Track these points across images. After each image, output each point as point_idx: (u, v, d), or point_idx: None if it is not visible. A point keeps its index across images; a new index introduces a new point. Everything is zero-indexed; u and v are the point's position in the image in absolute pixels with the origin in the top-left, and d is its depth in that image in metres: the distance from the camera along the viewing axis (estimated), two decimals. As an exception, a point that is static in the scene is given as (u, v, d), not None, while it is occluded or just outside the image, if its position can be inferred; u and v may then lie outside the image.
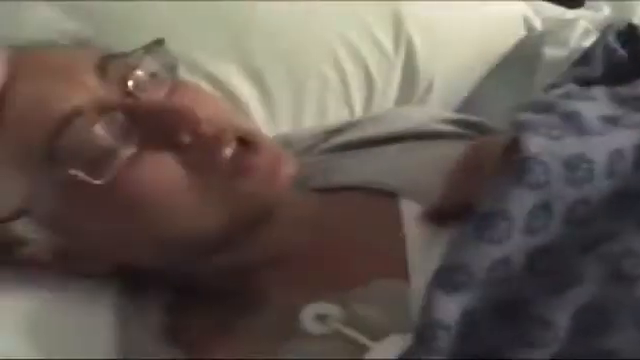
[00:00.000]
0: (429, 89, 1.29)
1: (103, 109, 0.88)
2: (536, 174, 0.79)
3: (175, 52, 0.97)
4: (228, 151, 0.91)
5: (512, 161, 0.80)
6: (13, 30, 1.11)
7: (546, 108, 0.88)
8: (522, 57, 1.37)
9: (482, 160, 0.87)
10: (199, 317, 0.97)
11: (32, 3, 1.16)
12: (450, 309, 0.78)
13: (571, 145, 0.82)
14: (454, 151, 0.96)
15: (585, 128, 0.84)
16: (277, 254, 0.95)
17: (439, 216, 0.90)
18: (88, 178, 0.86)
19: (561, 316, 0.78)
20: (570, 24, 1.38)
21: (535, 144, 0.80)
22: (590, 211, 0.82)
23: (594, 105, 0.89)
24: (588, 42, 1.32)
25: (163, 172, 0.89)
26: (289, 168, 0.94)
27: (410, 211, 0.94)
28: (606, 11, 1.45)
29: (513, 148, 0.82)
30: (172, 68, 0.96)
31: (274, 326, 0.90)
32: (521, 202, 0.79)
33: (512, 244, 0.80)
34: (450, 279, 0.79)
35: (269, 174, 0.92)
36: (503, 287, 0.80)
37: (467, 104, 1.35)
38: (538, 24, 1.40)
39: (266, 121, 1.19)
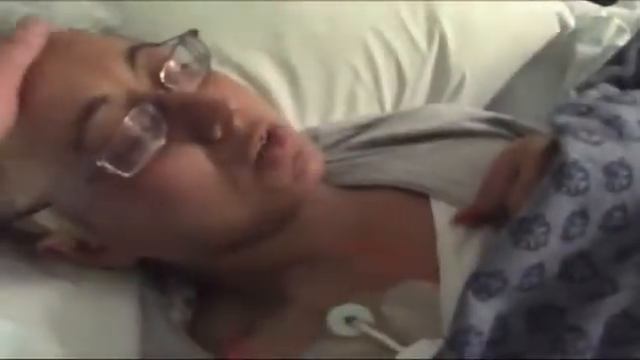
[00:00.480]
0: (460, 85, 1.27)
1: (133, 100, 0.87)
2: (576, 181, 0.79)
3: (206, 43, 0.96)
4: (258, 145, 0.89)
5: (551, 166, 0.79)
6: (43, 13, 1.09)
7: (586, 111, 0.87)
8: (555, 54, 1.35)
9: (518, 163, 0.86)
10: (223, 315, 0.96)
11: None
12: (484, 315, 0.78)
13: (611, 151, 0.81)
14: (486, 151, 0.96)
15: (625, 133, 0.83)
16: (305, 252, 0.94)
17: (472, 219, 0.89)
18: (116, 170, 0.85)
19: (595, 325, 0.77)
20: (604, 22, 1.37)
21: (576, 149, 0.79)
22: (627, 218, 0.81)
23: (634, 109, 0.88)
24: (621, 40, 1.32)
25: (192, 166, 0.87)
26: (316, 162, 0.92)
27: (441, 212, 0.93)
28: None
29: (552, 152, 0.82)
30: (205, 60, 0.94)
31: (301, 327, 0.89)
32: (559, 209, 0.79)
33: (548, 250, 0.79)
34: (485, 285, 0.78)
35: (295, 167, 0.90)
36: (537, 293, 0.80)
37: (499, 101, 1.33)
38: (572, 21, 1.38)
39: (296, 114, 1.18)
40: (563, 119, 0.85)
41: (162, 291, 0.99)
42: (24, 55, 0.89)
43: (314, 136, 1.14)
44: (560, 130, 0.83)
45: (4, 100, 0.86)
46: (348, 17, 1.22)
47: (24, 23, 0.91)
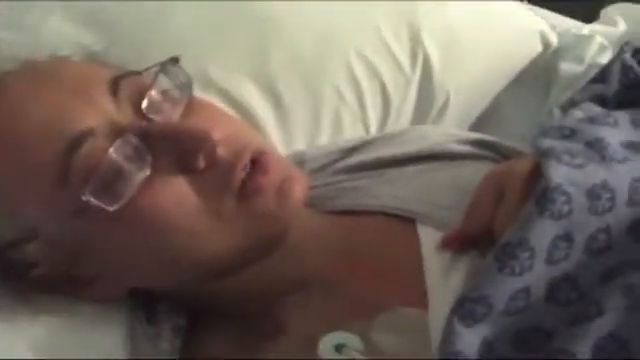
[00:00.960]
0: (445, 105, 1.27)
1: (116, 131, 0.87)
2: (559, 205, 0.79)
3: (189, 68, 0.96)
4: (242, 174, 0.89)
5: (535, 190, 0.79)
6: (28, 41, 1.10)
7: (569, 134, 0.88)
8: (538, 73, 1.36)
9: (503, 186, 0.86)
10: (215, 341, 0.96)
11: (47, 15, 1.14)
12: (470, 341, 0.78)
13: (594, 173, 0.82)
14: (472, 174, 0.96)
15: (608, 155, 0.84)
16: (294, 277, 0.94)
17: (459, 243, 0.90)
18: (101, 204, 0.85)
19: (582, 347, 0.77)
20: (586, 40, 1.38)
21: (558, 173, 0.80)
22: (610, 240, 0.82)
23: (617, 130, 0.88)
24: (604, 58, 1.33)
25: (176, 197, 0.88)
26: (300, 187, 0.92)
27: (428, 237, 0.93)
28: (622, 26, 1.44)
29: (535, 175, 0.82)
30: (187, 87, 0.94)
31: (293, 354, 0.88)
32: (543, 233, 0.79)
33: (533, 275, 0.80)
34: (470, 310, 0.79)
35: (279, 193, 0.90)
36: (523, 317, 0.80)
37: (484, 120, 1.34)
38: (554, 39, 1.39)
39: (281, 138, 1.18)
40: (546, 143, 0.85)
41: (151, 320, 0.99)
42: None
43: (300, 160, 1.14)
44: (543, 154, 0.83)
45: None
46: (332, 40, 1.22)
47: None
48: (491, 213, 0.86)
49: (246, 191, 0.89)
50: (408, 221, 0.96)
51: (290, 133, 1.19)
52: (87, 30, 1.10)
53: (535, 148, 0.86)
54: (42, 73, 0.93)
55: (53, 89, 0.89)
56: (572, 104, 1.08)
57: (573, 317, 0.80)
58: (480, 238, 0.88)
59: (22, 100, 0.89)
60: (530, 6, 1.52)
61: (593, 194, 0.81)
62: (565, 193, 0.79)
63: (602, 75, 1.11)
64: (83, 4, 1.12)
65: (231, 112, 1.12)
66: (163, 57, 0.94)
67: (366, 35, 1.24)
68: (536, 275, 0.80)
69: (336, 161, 1.14)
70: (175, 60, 0.94)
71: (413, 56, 1.25)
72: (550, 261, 0.80)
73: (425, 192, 1.00)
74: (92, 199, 0.85)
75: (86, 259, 0.91)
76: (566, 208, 0.79)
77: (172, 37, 1.14)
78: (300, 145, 1.19)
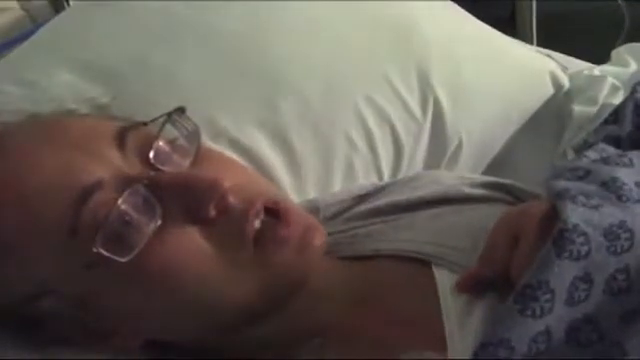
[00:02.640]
0: (458, 150, 1.27)
1: (124, 183, 0.86)
2: (577, 245, 0.78)
3: (198, 117, 0.95)
4: (256, 223, 0.88)
5: (552, 232, 0.79)
6: (35, 95, 1.10)
7: (584, 175, 0.87)
8: (551, 115, 1.36)
9: (518, 229, 0.85)
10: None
11: (53, 68, 1.15)
12: None
13: (611, 214, 0.81)
14: (487, 217, 0.95)
15: (624, 195, 0.83)
16: (313, 326, 0.93)
17: (474, 287, 0.88)
18: (112, 256, 0.84)
19: None
20: (598, 81, 1.37)
21: (575, 214, 0.79)
22: (630, 280, 0.80)
23: (632, 170, 0.87)
24: (616, 99, 1.32)
25: (189, 248, 0.86)
26: (320, 236, 0.92)
27: (444, 280, 0.92)
28: (633, 66, 1.44)
29: (552, 217, 0.81)
30: (194, 136, 0.94)
31: None
32: (562, 275, 0.78)
33: (554, 316, 0.79)
34: (492, 354, 0.78)
35: (300, 245, 0.89)
36: (544, 358, 0.79)
37: (496, 165, 1.33)
38: (566, 81, 1.38)
39: (293, 187, 1.17)
40: (561, 184, 0.84)
41: None
42: None
43: (314, 208, 1.13)
44: (558, 195, 0.82)
45: None
46: (341, 86, 1.22)
47: None
48: (506, 255, 0.85)
49: (266, 241, 0.88)
50: (424, 264, 0.95)
51: (302, 182, 1.18)
52: (93, 82, 1.11)
53: (549, 190, 0.85)
54: (48, 128, 0.92)
55: (59, 144, 0.89)
56: (586, 145, 1.07)
57: (595, 359, 0.79)
58: (496, 281, 0.86)
59: (28, 155, 0.89)
60: (540, 48, 1.51)
61: (611, 234, 0.80)
62: (583, 234, 0.78)
63: (615, 116, 1.11)
64: (89, 56, 1.12)
65: (242, 161, 1.11)
66: (170, 107, 0.94)
67: (374, 80, 1.24)
68: (556, 317, 0.79)
69: (350, 208, 1.13)
70: (181, 110, 0.94)
71: (423, 101, 1.25)
72: (570, 302, 0.79)
73: (440, 236, 0.99)
74: (103, 251, 0.83)
75: (101, 312, 0.90)
76: (585, 249, 0.78)
77: (179, 87, 1.15)
78: (312, 194, 1.18)
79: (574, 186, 0.84)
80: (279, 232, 0.89)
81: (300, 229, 0.90)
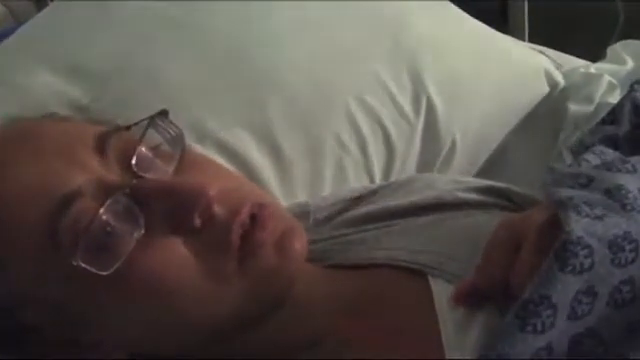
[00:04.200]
0: (452, 151, 1.24)
1: (105, 191, 0.83)
2: (580, 258, 0.76)
3: (182, 119, 0.92)
4: (240, 232, 0.85)
5: (554, 244, 0.76)
6: (16, 97, 1.07)
7: (586, 182, 0.84)
8: (546, 114, 1.34)
9: (518, 239, 0.82)
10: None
11: (35, 70, 1.11)
12: None
13: (615, 224, 0.78)
14: (483, 224, 0.93)
15: (629, 204, 0.80)
16: (303, 337, 0.90)
17: (472, 298, 0.85)
18: (92, 269, 0.81)
19: None
20: (594, 79, 1.35)
21: (579, 226, 0.76)
22: (635, 291, 0.78)
23: (635, 177, 0.85)
24: (613, 97, 1.31)
25: (172, 259, 0.83)
26: (299, 240, 0.89)
27: (441, 291, 0.89)
28: (630, 64, 1.41)
29: (553, 227, 0.78)
30: (178, 141, 0.90)
31: None
32: (565, 289, 0.76)
33: (555, 331, 0.76)
34: None
35: (277, 247, 0.86)
36: None
37: (491, 165, 1.30)
38: (560, 77, 1.36)
39: (282, 191, 1.14)
40: (563, 192, 0.81)
41: None
42: None
43: (304, 211, 1.10)
44: (561, 205, 0.79)
45: None
46: (330, 86, 1.19)
47: None
48: (505, 265, 0.82)
49: (245, 249, 0.85)
50: (418, 274, 0.92)
51: (291, 185, 1.16)
52: (74, 83, 1.08)
53: (551, 197, 0.82)
54: (24, 133, 0.89)
55: (36, 149, 0.85)
56: (582, 146, 1.05)
57: None
58: (494, 292, 0.83)
59: (3, 162, 0.85)
60: (533, 45, 1.49)
61: (615, 246, 0.77)
62: (587, 246, 0.76)
63: (612, 115, 1.08)
64: (69, 56, 1.09)
65: (228, 165, 1.08)
66: (154, 110, 0.90)
67: (365, 80, 1.21)
68: (558, 332, 0.76)
69: (341, 212, 1.10)
70: (164, 113, 0.90)
71: (416, 101, 1.23)
72: (573, 317, 0.76)
73: (435, 244, 0.96)
74: (83, 264, 0.80)
75: (84, 323, 0.87)
76: (588, 262, 0.76)
77: (163, 88, 1.12)
78: (301, 197, 1.16)
79: (577, 194, 0.81)
80: (255, 236, 0.85)
81: (277, 232, 0.87)
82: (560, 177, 0.87)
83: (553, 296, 0.75)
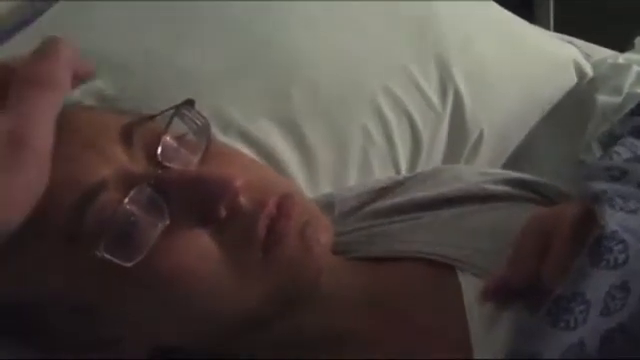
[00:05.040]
0: (479, 142, 1.22)
1: (130, 182, 0.81)
2: (615, 253, 0.74)
3: (206, 110, 0.91)
4: (267, 222, 0.84)
5: (588, 239, 0.74)
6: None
7: (619, 175, 0.82)
8: (574, 105, 1.31)
9: (550, 233, 0.81)
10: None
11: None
12: None
13: None
14: (512, 217, 0.92)
15: None
16: (329, 331, 0.89)
17: (502, 294, 0.83)
18: (116, 260, 0.79)
19: None
20: (623, 70, 1.33)
21: (613, 220, 0.74)
22: None
23: None
24: (642, 88, 1.27)
25: (197, 251, 0.82)
26: (326, 233, 0.88)
27: (470, 285, 0.88)
28: (659, 54, 1.39)
29: (586, 221, 0.77)
30: (204, 131, 0.89)
31: None
32: (599, 284, 0.75)
33: (587, 327, 0.75)
34: None
35: (302, 238, 0.85)
36: None
37: (517, 157, 1.28)
38: (589, 68, 1.34)
39: (306, 182, 1.12)
40: (597, 186, 0.80)
41: None
42: (56, 105, 0.82)
43: (329, 203, 1.08)
44: (595, 198, 0.78)
45: (39, 166, 0.79)
46: (357, 76, 1.17)
47: (53, 47, 0.84)
48: (536, 260, 0.81)
49: (270, 240, 0.84)
50: (446, 268, 0.91)
51: (316, 175, 1.14)
52: (99, 75, 1.05)
53: (585, 191, 0.80)
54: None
55: (60, 140, 0.83)
56: (612, 138, 1.03)
57: None
58: (524, 288, 0.81)
59: None
60: (562, 35, 1.46)
61: None
62: (621, 241, 0.74)
63: (642, 107, 1.06)
64: (92, 46, 1.07)
65: (252, 155, 1.07)
66: (178, 100, 0.89)
67: (392, 70, 1.19)
68: (590, 328, 0.75)
69: (367, 203, 1.08)
70: (190, 103, 0.89)
71: (443, 91, 1.20)
72: (606, 312, 0.75)
73: (463, 237, 0.94)
74: (107, 255, 0.79)
75: (105, 317, 0.86)
76: (622, 257, 0.75)
77: (188, 78, 1.10)
78: (326, 188, 1.14)
79: (610, 188, 0.80)
80: (279, 225, 0.84)
81: (302, 221, 0.86)
82: (592, 170, 0.86)
83: (587, 292, 0.74)
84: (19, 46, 1.11)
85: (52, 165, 0.80)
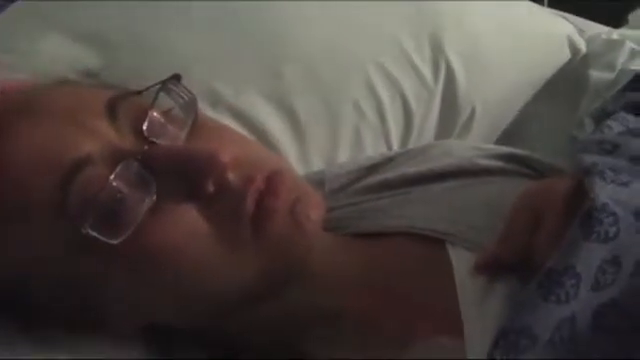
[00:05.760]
0: (471, 119, 1.21)
1: (116, 157, 0.81)
2: (605, 226, 0.74)
3: (196, 84, 0.90)
4: (255, 197, 0.83)
5: (579, 212, 0.74)
6: (25, 60, 1.05)
7: (612, 149, 0.82)
8: (567, 81, 1.30)
9: (541, 207, 0.80)
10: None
11: (45, 33, 1.09)
12: None
13: None
14: (504, 191, 0.92)
15: None
16: (320, 309, 0.89)
17: (493, 268, 0.83)
18: (103, 238, 0.79)
19: None
20: (616, 46, 1.31)
21: (604, 192, 0.73)
22: None
23: None
24: (636, 64, 1.27)
25: (185, 226, 0.81)
26: (316, 209, 0.87)
27: (460, 260, 0.87)
28: (652, 30, 1.38)
29: (577, 194, 0.77)
30: (191, 106, 0.88)
31: None
32: (590, 258, 0.74)
33: (579, 301, 0.74)
34: (513, 343, 0.74)
35: (292, 215, 0.84)
36: (568, 347, 0.74)
37: (509, 134, 1.27)
38: (582, 45, 1.33)
39: (297, 157, 1.12)
40: (588, 159, 0.79)
41: (169, 356, 0.93)
42: None
43: (319, 180, 1.08)
44: (586, 171, 0.77)
45: None
46: (348, 51, 1.16)
47: None
48: (528, 234, 0.81)
49: (259, 216, 0.83)
50: (437, 242, 0.90)
51: (307, 152, 1.13)
52: (84, 48, 1.05)
53: (576, 164, 0.80)
54: (33, 98, 0.86)
55: (45, 115, 0.83)
56: (604, 113, 1.03)
57: (624, 346, 0.74)
58: (516, 261, 0.81)
59: (11, 128, 0.83)
60: (554, 10, 1.45)
61: None
62: (612, 214, 0.74)
63: (635, 82, 1.05)
64: (78, 22, 1.07)
65: (242, 131, 1.06)
66: (167, 75, 0.88)
67: (384, 45, 1.18)
68: (582, 302, 0.74)
69: (357, 180, 1.08)
70: (177, 78, 0.88)
71: (435, 67, 1.19)
72: (597, 287, 0.75)
73: (454, 211, 0.94)
74: (92, 232, 0.78)
75: (93, 296, 0.85)
76: (613, 230, 0.74)
77: (176, 53, 1.09)
78: (318, 165, 1.13)
79: (602, 161, 0.79)
80: (268, 202, 0.83)
81: (290, 198, 0.85)
82: (585, 144, 0.85)
83: (577, 265, 0.73)
84: (4, 23, 1.10)
85: (36, 139, 0.80)
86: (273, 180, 0.84)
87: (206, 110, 1.00)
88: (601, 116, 1.03)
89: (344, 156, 1.15)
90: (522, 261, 0.80)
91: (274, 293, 0.87)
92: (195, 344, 0.93)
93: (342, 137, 1.14)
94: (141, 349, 0.91)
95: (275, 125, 1.11)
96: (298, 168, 1.10)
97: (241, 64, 1.12)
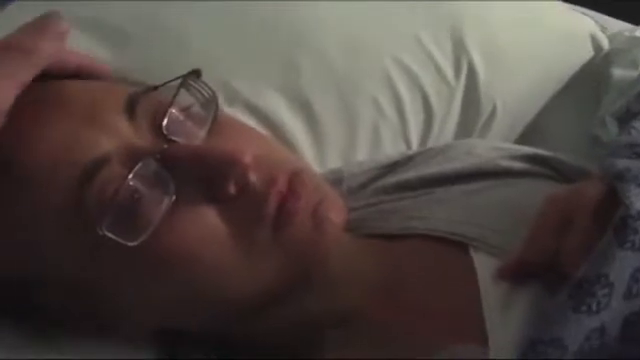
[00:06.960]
0: (492, 117, 1.19)
1: (134, 156, 0.79)
2: None
3: (213, 80, 0.88)
4: (276, 200, 0.81)
5: (612, 219, 0.72)
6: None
7: None
8: (589, 79, 1.27)
9: (571, 212, 0.78)
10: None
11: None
12: None
13: None
14: (529, 194, 0.90)
15: None
16: (337, 312, 0.87)
17: (518, 274, 0.81)
18: (119, 239, 0.77)
19: None
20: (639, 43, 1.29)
21: (639, 200, 0.71)
22: None
23: None
24: (659, 62, 1.24)
25: (204, 229, 0.80)
26: (338, 211, 0.85)
27: (484, 265, 0.85)
28: (676, 28, 1.36)
29: (609, 201, 0.75)
30: (211, 103, 0.86)
31: None
32: (623, 267, 0.73)
33: (610, 311, 0.73)
34: (542, 353, 0.72)
35: (314, 218, 0.83)
36: (597, 355, 0.73)
37: (532, 130, 1.25)
38: (605, 42, 1.30)
39: (314, 155, 1.09)
40: (620, 163, 0.77)
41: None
42: (27, 71, 0.81)
43: (337, 178, 1.06)
44: (619, 176, 0.75)
45: None
46: (367, 47, 1.14)
47: (44, 21, 0.82)
48: (555, 242, 0.78)
49: (280, 219, 0.81)
50: (459, 246, 0.88)
51: (324, 150, 1.10)
52: (100, 43, 1.02)
53: (608, 169, 0.78)
54: (49, 94, 0.84)
55: (61, 112, 0.81)
56: (628, 113, 1.00)
57: None
58: (542, 268, 0.79)
59: (27, 126, 0.81)
60: (577, 7, 1.43)
61: None
62: None
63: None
64: (94, 15, 1.04)
65: (260, 129, 1.04)
66: (184, 70, 0.86)
67: (404, 41, 1.16)
68: (613, 311, 0.73)
69: (376, 179, 1.06)
70: (197, 73, 0.86)
71: (457, 64, 1.17)
72: (628, 296, 0.73)
73: (477, 214, 0.92)
74: (109, 233, 0.76)
75: (107, 299, 0.83)
76: None
77: (193, 48, 1.06)
78: (335, 162, 1.11)
79: (635, 165, 0.77)
80: (289, 206, 0.81)
81: (312, 200, 0.83)
82: (614, 147, 0.83)
83: (611, 274, 0.72)
84: (16, 14, 1.08)
85: (53, 138, 0.78)
86: (294, 182, 0.83)
87: (223, 107, 0.97)
88: (626, 116, 1.01)
89: (362, 154, 1.12)
90: (548, 267, 0.79)
91: (293, 296, 0.85)
92: (199, 346, 0.91)
93: (360, 134, 1.12)
94: (146, 350, 0.90)
95: (292, 122, 1.09)
96: (315, 166, 1.08)
97: (258, 61, 1.09)
